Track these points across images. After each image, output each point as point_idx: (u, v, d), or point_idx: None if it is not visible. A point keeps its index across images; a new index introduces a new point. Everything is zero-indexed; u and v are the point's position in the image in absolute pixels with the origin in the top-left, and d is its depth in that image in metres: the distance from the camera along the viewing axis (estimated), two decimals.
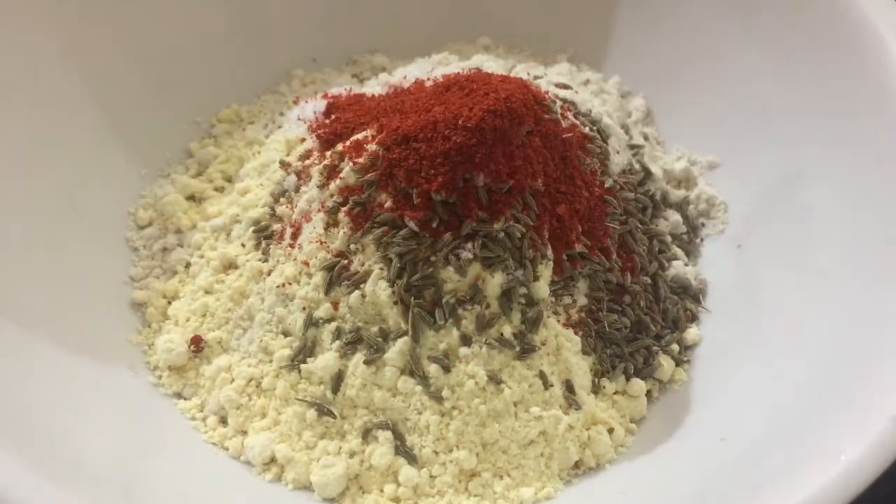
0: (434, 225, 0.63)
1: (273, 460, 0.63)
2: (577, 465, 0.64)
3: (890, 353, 0.55)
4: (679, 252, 0.77)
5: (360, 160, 0.66)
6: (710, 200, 0.80)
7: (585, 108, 0.78)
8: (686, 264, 0.76)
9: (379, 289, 0.63)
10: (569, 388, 0.64)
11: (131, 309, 0.73)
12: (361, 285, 0.64)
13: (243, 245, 0.72)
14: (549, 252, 0.66)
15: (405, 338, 0.62)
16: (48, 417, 0.57)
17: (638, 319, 0.70)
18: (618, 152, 0.76)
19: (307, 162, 0.72)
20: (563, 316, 0.66)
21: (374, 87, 0.82)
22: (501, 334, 0.63)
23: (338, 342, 0.64)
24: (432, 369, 0.62)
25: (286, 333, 0.66)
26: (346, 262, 0.65)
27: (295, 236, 0.68)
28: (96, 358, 0.66)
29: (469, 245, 0.63)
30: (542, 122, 0.67)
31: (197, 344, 0.69)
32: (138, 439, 0.62)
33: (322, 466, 0.61)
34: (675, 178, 0.83)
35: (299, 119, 0.78)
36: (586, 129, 0.74)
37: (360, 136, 0.69)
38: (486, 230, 0.63)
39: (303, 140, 0.76)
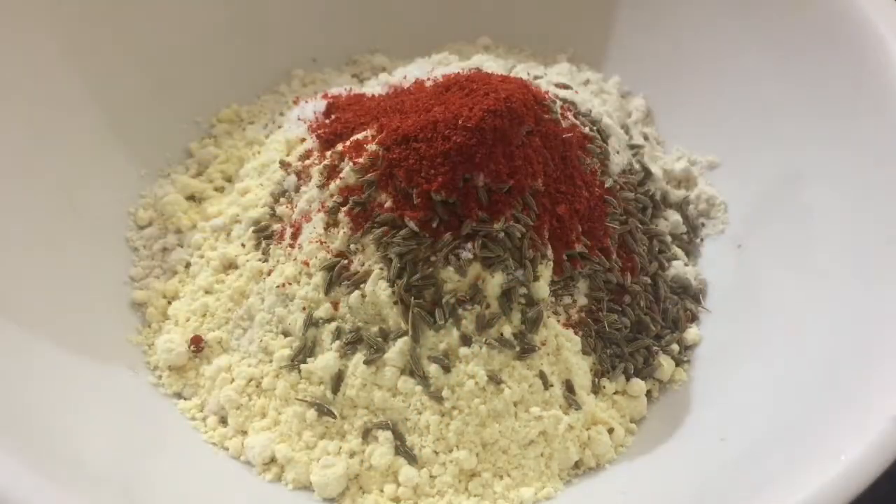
0: (434, 225, 0.63)
1: (273, 460, 0.63)
2: (577, 465, 0.64)
3: (890, 353, 0.55)
4: (679, 252, 0.77)
5: (360, 160, 0.66)
6: (710, 200, 0.80)
7: (585, 108, 0.78)
8: (686, 264, 0.76)
9: (379, 289, 0.63)
10: (569, 388, 0.64)
11: (131, 309, 0.73)
12: (361, 285, 0.64)
13: (243, 245, 0.72)
14: (549, 252, 0.66)
15: (405, 338, 0.62)
16: (48, 417, 0.57)
17: (638, 319, 0.70)
18: (618, 152, 0.76)
19: (307, 162, 0.72)
20: (563, 316, 0.66)
21: (374, 87, 0.82)
22: (501, 334, 0.63)
23: (338, 342, 0.64)
24: (432, 369, 0.62)
25: (286, 333, 0.66)
26: (346, 262, 0.65)
27: (295, 236, 0.68)
28: (96, 358, 0.66)
29: (469, 245, 0.63)
30: (542, 122, 0.67)
31: (197, 344, 0.69)
32: (138, 439, 0.62)
33: (322, 466, 0.61)
34: (675, 178, 0.83)
35: (299, 119, 0.78)
36: (586, 129, 0.74)
37: (360, 136, 0.69)
38: (486, 230, 0.63)
39: (303, 140, 0.76)
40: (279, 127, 0.84)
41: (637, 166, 0.78)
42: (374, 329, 0.64)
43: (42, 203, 0.70)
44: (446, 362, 0.62)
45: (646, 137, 0.85)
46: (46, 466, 0.52)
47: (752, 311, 0.70)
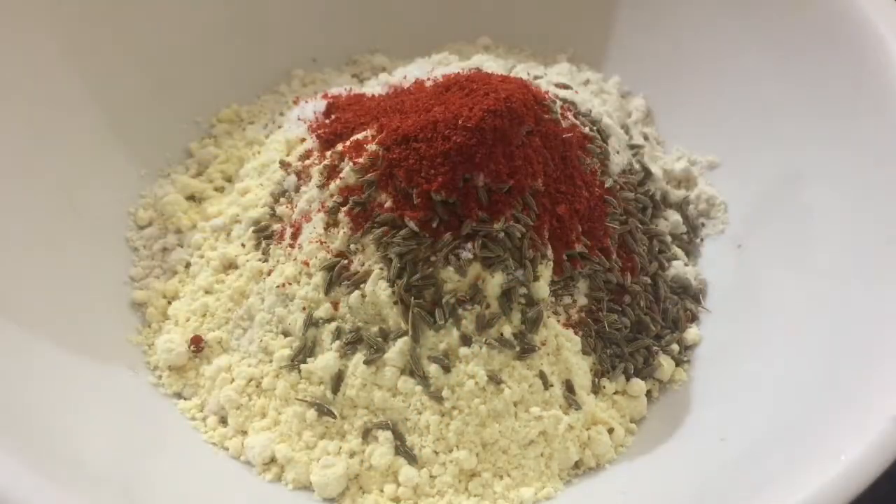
0: (434, 225, 0.63)
1: (273, 460, 0.63)
2: (577, 465, 0.64)
3: (890, 353, 0.55)
4: (679, 252, 0.77)
5: (360, 160, 0.66)
6: (710, 200, 0.80)
7: (585, 108, 0.78)
8: (686, 264, 0.76)
9: (379, 289, 0.63)
10: (569, 388, 0.64)
11: (131, 309, 0.73)
12: (361, 285, 0.64)
13: (243, 245, 0.72)
14: (549, 252, 0.66)
15: (405, 338, 0.62)
16: (48, 417, 0.57)
17: (638, 319, 0.70)
18: (618, 152, 0.76)
19: (307, 162, 0.72)
20: (563, 316, 0.66)
21: (374, 87, 0.82)
22: (501, 334, 0.63)
23: (338, 342, 0.64)
24: (432, 369, 0.62)
25: (286, 333, 0.66)
26: (346, 262, 0.65)
27: (295, 236, 0.68)
28: (96, 358, 0.66)
29: (469, 245, 0.63)
30: (542, 122, 0.67)
31: (197, 344, 0.69)
32: (138, 439, 0.62)
33: (322, 466, 0.61)
34: (675, 178, 0.83)
35: (299, 119, 0.78)
36: (586, 129, 0.74)
37: (360, 136, 0.69)
38: (486, 230, 0.63)
39: (303, 140, 0.76)
40: (279, 127, 0.84)
41: (637, 166, 0.78)
42: (374, 329, 0.64)
43: (42, 203, 0.70)
44: (446, 362, 0.62)
45: (646, 137, 0.85)
46: (46, 466, 0.52)
47: (752, 311, 0.70)
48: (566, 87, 0.81)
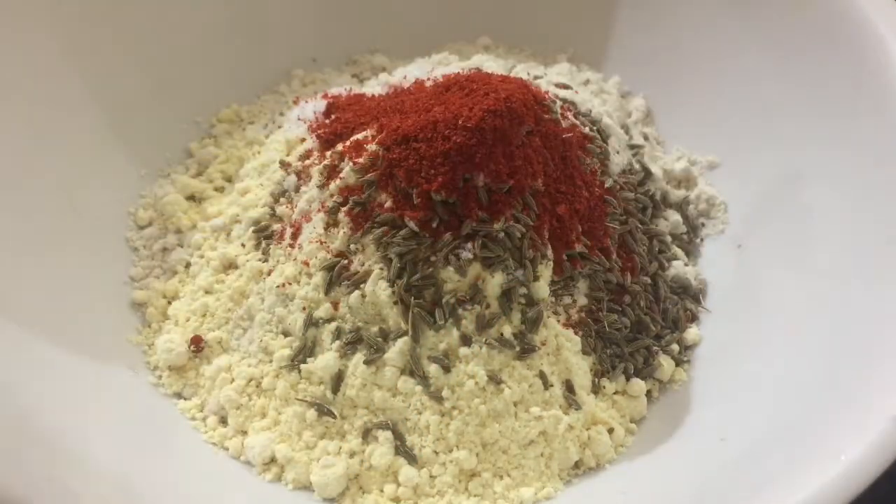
0: (434, 225, 0.63)
1: (273, 460, 0.63)
2: (577, 465, 0.64)
3: (890, 353, 0.55)
4: (679, 252, 0.77)
5: (360, 160, 0.66)
6: (710, 200, 0.80)
7: (585, 108, 0.78)
8: (686, 264, 0.76)
9: (379, 289, 0.63)
10: (569, 388, 0.64)
11: (131, 309, 0.73)
12: (361, 285, 0.64)
13: (243, 245, 0.72)
14: (549, 252, 0.66)
15: (405, 338, 0.62)
16: (48, 417, 0.57)
17: (638, 319, 0.70)
18: (618, 152, 0.76)
19: (307, 162, 0.72)
20: (563, 316, 0.66)
21: (374, 87, 0.82)
22: (501, 334, 0.63)
23: (338, 342, 0.64)
24: (432, 369, 0.62)
25: (286, 333, 0.66)
26: (346, 262, 0.65)
27: (295, 236, 0.68)
28: (96, 358, 0.66)
29: (469, 245, 0.63)
30: (542, 122, 0.67)
31: (197, 344, 0.69)
32: (138, 439, 0.62)
33: (322, 466, 0.61)
34: (675, 178, 0.83)
35: (299, 119, 0.78)
36: (586, 129, 0.74)
37: (360, 136, 0.69)
38: (486, 230, 0.63)
39: (303, 140, 0.76)
40: (279, 127, 0.84)
41: (637, 166, 0.78)
42: (374, 329, 0.64)
43: (42, 203, 0.70)
44: (446, 362, 0.62)
45: (646, 137, 0.85)
46: (46, 466, 0.52)
47: (752, 311, 0.70)
48: (566, 87, 0.81)
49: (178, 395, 0.68)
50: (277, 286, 0.67)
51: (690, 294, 0.74)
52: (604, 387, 0.67)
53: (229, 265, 0.73)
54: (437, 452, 0.62)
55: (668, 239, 0.76)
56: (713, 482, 0.57)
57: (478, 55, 0.89)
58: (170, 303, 0.73)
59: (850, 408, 0.54)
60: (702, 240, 0.79)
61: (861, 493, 0.48)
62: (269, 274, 0.69)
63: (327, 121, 0.76)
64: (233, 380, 0.67)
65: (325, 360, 0.63)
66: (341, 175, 0.67)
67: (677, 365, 0.70)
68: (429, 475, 0.61)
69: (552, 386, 0.63)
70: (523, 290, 0.64)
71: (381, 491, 0.61)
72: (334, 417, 0.63)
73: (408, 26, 0.96)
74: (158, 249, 0.77)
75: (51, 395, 0.60)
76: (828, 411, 0.55)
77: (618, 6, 0.92)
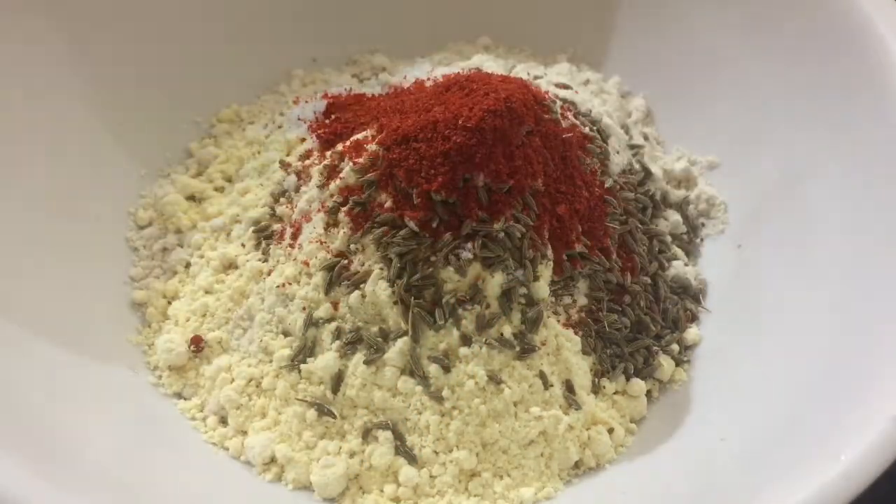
0: (434, 225, 0.63)
1: (273, 460, 0.63)
2: (577, 465, 0.64)
3: (890, 353, 0.55)
4: (679, 252, 0.77)
5: (360, 160, 0.66)
6: (710, 200, 0.80)
7: (585, 108, 0.78)
8: (686, 264, 0.76)
9: (379, 289, 0.63)
10: (569, 388, 0.64)
11: (131, 309, 0.73)
12: (361, 285, 0.64)
13: (243, 245, 0.72)
14: (549, 252, 0.66)
15: (405, 338, 0.62)
16: (48, 417, 0.57)
17: (638, 319, 0.70)
18: (618, 152, 0.76)
19: (307, 162, 0.72)
20: (563, 316, 0.66)
21: (374, 87, 0.82)
22: (501, 334, 0.63)
23: (338, 342, 0.64)
24: (432, 369, 0.62)
25: (286, 333, 0.66)
26: (346, 262, 0.65)
27: (295, 236, 0.68)
28: (96, 358, 0.66)
29: (469, 245, 0.63)
30: (542, 122, 0.67)
31: (197, 344, 0.69)
32: (138, 439, 0.62)
33: (322, 466, 0.61)
34: (675, 178, 0.83)
35: (299, 119, 0.78)
36: (586, 129, 0.74)
37: (360, 136, 0.69)
38: (486, 230, 0.63)
39: (303, 140, 0.76)
40: (279, 127, 0.84)
41: (637, 166, 0.78)
42: (374, 329, 0.64)
43: (42, 203, 0.70)
44: (446, 362, 0.62)
45: (646, 137, 0.85)
46: (46, 466, 0.52)
47: (752, 311, 0.70)
48: (566, 87, 0.81)
49: (178, 395, 0.68)
50: (277, 286, 0.67)
51: (690, 294, 0.74)
52: (604, 387, 0.67)
53: (229, 265, 0.73)
54: (437, 452, 0.62)
55: (668, 239, 0.76)
56: (713, 482, 0.57)
57: (478, 55, 0.89)
58: (170, 303, 0.73)
59: (850, 408, 0.54)
60: (702, 240, 0.79)
61: (861, 493, 0.48)
62: (269, 274, 0.68)
63: (327, 121, 0.76)
64: (233, 380, 0.67)
65: (325, 360, 0.63)
66: (341, 175, 0.67)
67: (677, 365, 0.70)
68: (429, 475, 0.61)
69: (552, 386, 0.63)
70: (523, 290, 0.64)
71: (381, 491, 0.61)
72: (334, 417, 0.63)
73: (408, 26, 0.96)
74: (158, 249, 0.77)
75: (51, 394, 0.60)
76: (828, 411, 0.55)
77: (618, 6, 0.92)
